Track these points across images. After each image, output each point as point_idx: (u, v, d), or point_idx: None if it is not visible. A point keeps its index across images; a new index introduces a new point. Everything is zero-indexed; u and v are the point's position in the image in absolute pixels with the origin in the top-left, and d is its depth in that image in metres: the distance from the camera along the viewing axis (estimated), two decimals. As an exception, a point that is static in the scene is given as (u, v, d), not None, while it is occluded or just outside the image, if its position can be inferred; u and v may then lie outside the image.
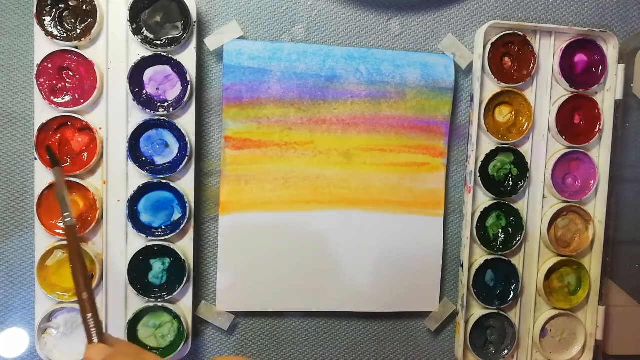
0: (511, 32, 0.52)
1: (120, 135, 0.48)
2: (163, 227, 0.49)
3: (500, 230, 0.53)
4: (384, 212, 0.52)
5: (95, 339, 0.38)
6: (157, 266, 0.49)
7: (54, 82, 0.47)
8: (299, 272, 0.52)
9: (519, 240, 0.53)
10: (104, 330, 0.48)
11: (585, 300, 0.54)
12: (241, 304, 0.52)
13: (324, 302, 0.52)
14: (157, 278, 0.49)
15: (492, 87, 0.52)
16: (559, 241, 0.54)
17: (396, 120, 0.52)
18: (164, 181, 0.48)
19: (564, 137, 0.53)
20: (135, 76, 0.48)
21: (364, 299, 0.53)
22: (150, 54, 0.48)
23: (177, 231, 0.49)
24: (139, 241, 0.49)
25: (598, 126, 0.53)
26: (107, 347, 0.38)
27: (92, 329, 0.38)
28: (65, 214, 0.41)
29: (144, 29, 0.48)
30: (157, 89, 0.49)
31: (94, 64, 0.47)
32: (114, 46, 0.48)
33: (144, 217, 0.49)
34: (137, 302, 0.49)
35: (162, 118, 0.48)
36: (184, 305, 0.50)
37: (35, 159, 0.47)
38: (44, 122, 0.47)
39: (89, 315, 0.39)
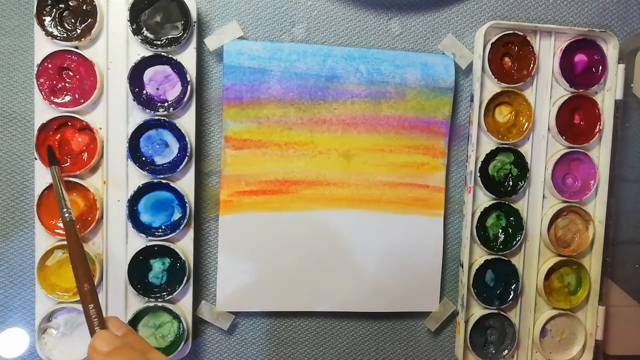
0: (511, 32, 0.52)
1: (120, 135, 0.48)
2: (163, 227, 0.49)
3: (500, 230, 0.53)
4: (384, 212, 0.52)
5: (98, 329, 0.37)
6: (157, 266, 0.49)
7: (54, 82, 0.47)
8: (299, 272, 0.52)
9: (519, 240, 0.53)
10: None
11: (585, 300, 0.54)
12: (241, 304, 0.52)
13: (324, 302, 0.52)
14: (157, 278, 0.49)
15: (492, 87, 0.52)
16: (559, 241, 0.54)
17: (396, 120, 0.52)
18: (164, 181, 0.48)
19: (564, 137, 0.53)
20: (135, 76, 0.48)
21: (364, 299, 0.53)
22: (150, 54, 0.48)
23: (177, 231, 0.49)
24: (139, 241, 0.49)
25: (598, 126, 0.53)
26: (115, 336, 0.36)
27: (95, 319, 0.37)
28: (63, 210, 0.41)
29: (144, 29, 0.48)
30: (157, 89, 0.49)
31: (94, 64, 0.47)
32: (114, 46, 0.48)
33: (144, 217, 0.49)
34: (137, 302, 0.49)
35: (162, 118, 0.48)
36: (184, 305, 0.50)
37: (35, 159, 0.47)
38: (44, 122, 0.47)
39: (91, 306, 0.37)
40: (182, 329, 0.49)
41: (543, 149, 0.53)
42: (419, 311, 0.54)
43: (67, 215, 0.41)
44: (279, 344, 0.54)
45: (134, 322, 0.49)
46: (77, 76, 0.48)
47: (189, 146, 0.48)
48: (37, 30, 0.47)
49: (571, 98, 0.53)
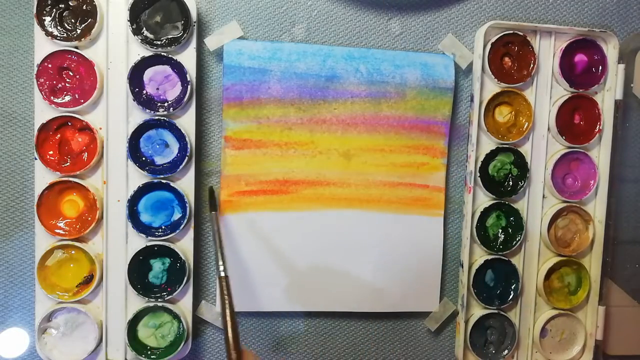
0: (511, 32, 0.52)
1: (120, 135, 0.48)
2: (163, 227, 0.49)
3: (500, 230, 0.53)
4: (384, 212, 0.52)
5: None
6: (157, 266, 0.49)
7: (54, 82, 0.47)
8: (299, 272, 0.52)
9: (519, 240, 0.53)
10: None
11: (585, 300, 0.54)
12: (241, 304, 0.52)
13: (324, 302, 0.52)
14: (157, 278, 0.49)
15: (492, 87, 0.52)
16: (559, 241, 0.54)
17: (396, 120, 0.52)
18: (164, 181, 0.48)
19: (564, 137, 0.53)
20: (135, 76, 0.48)
21: (364, 299, 0.53)
22: (150, 54, 0.48)
23: (177, 231, 0.49)
24: (139, 241, 0.49)
25: (598, 126, 0.53)
26: None
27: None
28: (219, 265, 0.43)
29: (144, 29, 0.48)
30: (157, 89, 0.49)
31: (94, 64, 0.47)
32: (114, 46, 0.48)
33: (144, 217, 0.49)
34: (137, 302, 0.49)
35: (162, 118, 0.48)
36: (184, 305, 0.50)
37: (35, 159, 0.47)
38: (44, 122, 0.47)
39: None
40: (182, 329, 0.49)
41: (543, 149, 0.53)
42: (419, 311, 0.54)
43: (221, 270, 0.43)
44: (279, 344, 0.54)
45: (134, 322, 0.49)
46: (77, 76, 0.48)
47: (189, 146, 0.48)
48: (37, 30, 0.47)
49: (571, 98, 0.53)
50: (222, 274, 0.43)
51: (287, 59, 0.50)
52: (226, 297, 0.41)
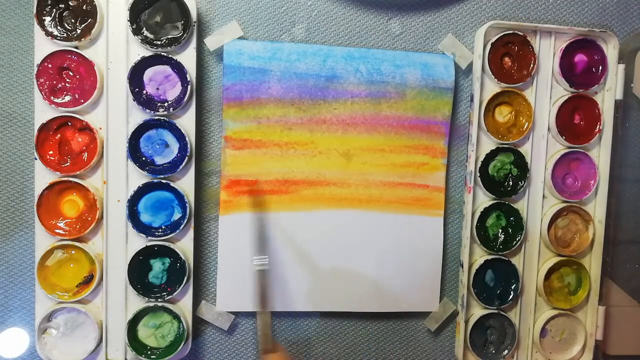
0: (511, 32, 0.52)
1: (120, 135, 0.48)
2: (163, 227, 0.49)
3: (500, 230, 0.53)
4: (384, 212, 0.52)
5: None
6: (157, 266, 0.49)
7: (54, 82, 0.47)
8: (299, 272, 0.52)
9: (519, 240, 0.53)
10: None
11: (585, 300, 0.54)
12: (241, 304, 0.52)
13: (324, 302, 0.52)
14: (157, 278, 0.49)
15: (492, 87, 0.52)
16: (558, 241, 0.54)
17: (396, 120, 0.52)
18: (164, 181, 0.48)
19: (564, 137, 0.53)
20: (135, 76, 0.48)
21: (364, 299, 0.53)
22: (150, 54, 0.48)
23: (177, 231, 0.49)
24: (139, 241, 0.49)
25: (598, 126, 0.53)
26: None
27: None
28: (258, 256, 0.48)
29: (144, 29, 0.48)
30: (157, 89, 0.49)
31: (94, 64, 0.47)
32: (114, 46, 0.48)
33: (144, 217, 0.49)
34: (137, 302, 0.49)
35: (162, 118, 0.48)
36: (184, 305, 0.50)
37: (36, 159, 0.47)
38: (44, 122, 0.47)
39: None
40: (182, 329, 0.49)
41: (543, 149, 0.53)
42: (419, 311, 0.54)
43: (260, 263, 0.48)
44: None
45: (134, 322, 0.49)
46: (77, 76, 0.48)
47: (189, 146, 0.48)
48: (37, 30, 0.47)
49: (571, 98, 0.53)
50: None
51: (287, 59, 0.50)
52: (259, 291, 0.45)
